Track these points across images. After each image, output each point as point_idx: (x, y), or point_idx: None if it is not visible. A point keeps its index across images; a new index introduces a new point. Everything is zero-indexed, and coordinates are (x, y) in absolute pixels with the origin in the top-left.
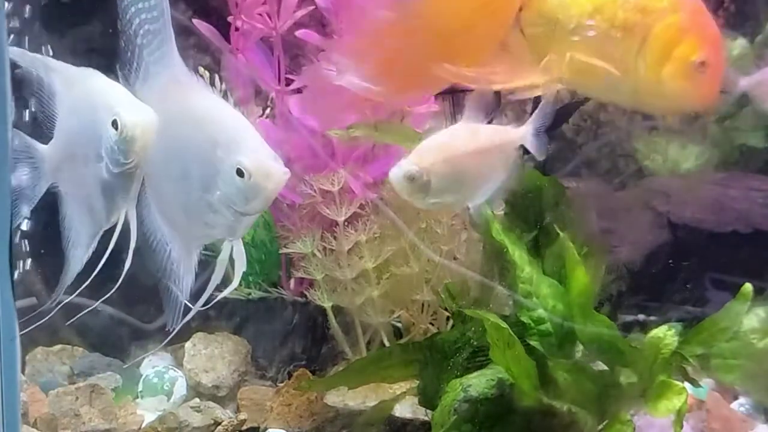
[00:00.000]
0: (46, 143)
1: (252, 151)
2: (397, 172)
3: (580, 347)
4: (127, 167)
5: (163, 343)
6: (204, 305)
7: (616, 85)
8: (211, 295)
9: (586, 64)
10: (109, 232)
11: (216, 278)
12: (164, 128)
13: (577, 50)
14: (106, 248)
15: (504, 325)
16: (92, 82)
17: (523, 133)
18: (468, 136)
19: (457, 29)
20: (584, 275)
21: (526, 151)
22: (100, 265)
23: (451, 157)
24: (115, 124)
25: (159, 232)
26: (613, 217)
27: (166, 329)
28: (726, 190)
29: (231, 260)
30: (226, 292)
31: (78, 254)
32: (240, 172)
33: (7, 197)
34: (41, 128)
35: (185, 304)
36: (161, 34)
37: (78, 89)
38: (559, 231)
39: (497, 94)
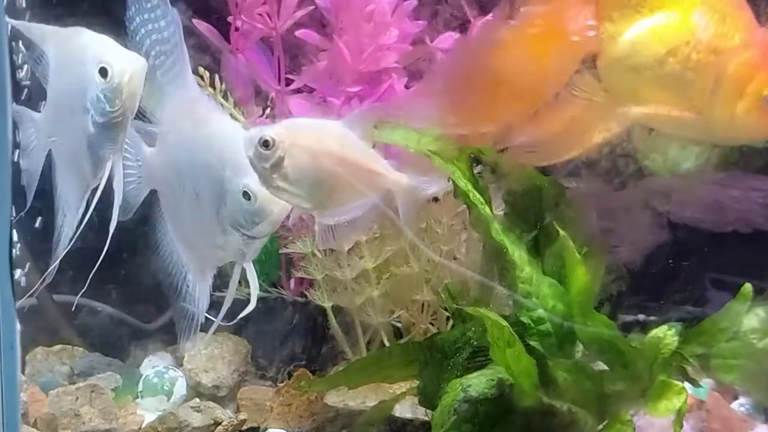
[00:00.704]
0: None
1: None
2: (253, 134)
3: (580, 347)
4: (113, 116)
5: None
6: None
7: (691, 123)
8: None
9: (663, 107)
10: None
11: (228, 300)
12: (178, 148)
13: (652, 93)
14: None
15: (504, 323)
16: (80, 38)
17: (396, 179)
18: (340, 140)
19: (528, 74)
20: (584, 275)
21: None
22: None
23: (318, 149)
24: (102, 71)
25: (175, 254)
26: (613, 217)
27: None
28: (726, 190)
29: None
30: (243, 314)
31: (69, 218)
32: (246, 195)
33: (7, 197)
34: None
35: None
36: (174, 55)
37: (67, 47)
38: (559, 230)
39: None
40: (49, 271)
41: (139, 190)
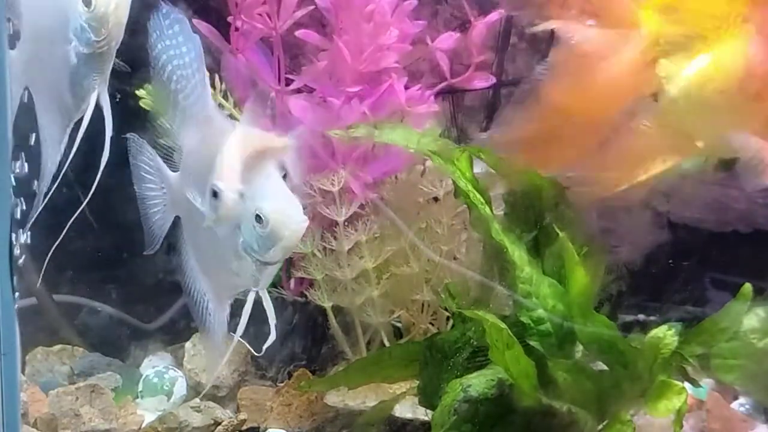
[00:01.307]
0: None
1: (271, 197)
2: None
3: (580, 347)
4: (98, 46)
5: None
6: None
7: None
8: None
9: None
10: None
11: (240, 329)
12: (197, 172)
13: (716, 125)
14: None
15: (503, 326)
16: None
17: (285, 144)
18: (241, 144)
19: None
20: (584, 275)
21: None
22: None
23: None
24: (86, 1)
25: (197, 281)
26: (613, 217)
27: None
28: (726, 190)
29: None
30: (265, 345)
31: (51, 153)
32: (259, 218)
33: (7, 197)
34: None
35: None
36: (195, 79)
37: None
38: (558, 231)
39: (496, 94)
40: (35, 209)
41: (164, 219)
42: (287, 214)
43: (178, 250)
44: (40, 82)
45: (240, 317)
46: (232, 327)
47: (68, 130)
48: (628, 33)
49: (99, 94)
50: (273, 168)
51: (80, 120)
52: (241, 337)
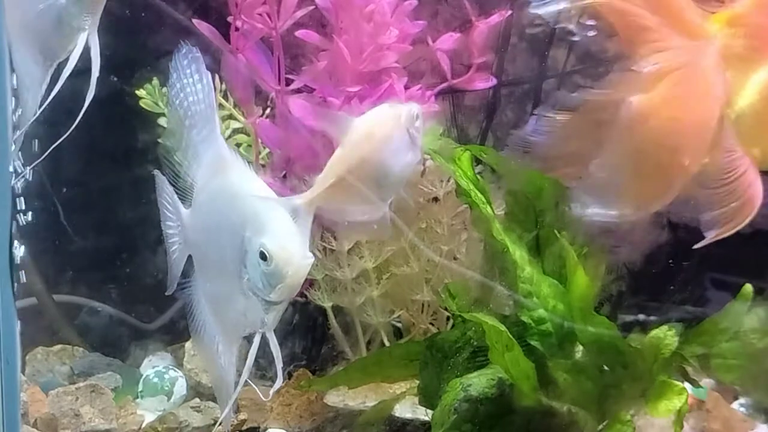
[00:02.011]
0: None
1: (276, 233)
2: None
3: (580, 347)
4: None
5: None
6: None
7: None
8: None
9: None
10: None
11: (246, 372)
12: (207, 209)
13: None
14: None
15: (502, 328)
16: None
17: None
18: None
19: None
20: (584, 279)
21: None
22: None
23: None
24: None
25: (207, 323)
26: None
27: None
28: None
29: None
30: (272, 391)
31: (33, 93)
32: (263, 255)
33: (7, 197)
34: None
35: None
36: (206, 115)
37: None
38: (557, 234)
39: (496, 94)
40: (15, 147)
41: (180, 257)
42: (291, 251)
43: (189, 290)
44: (20, 21)
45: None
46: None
47: (50, 71)
48: (699, 46)
49: (88, 36)
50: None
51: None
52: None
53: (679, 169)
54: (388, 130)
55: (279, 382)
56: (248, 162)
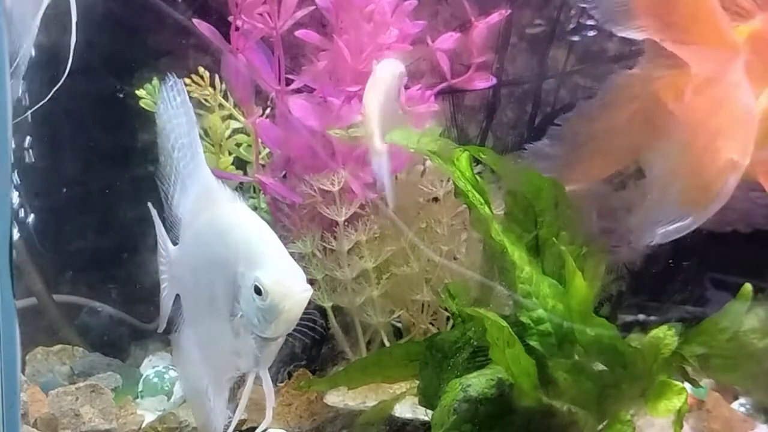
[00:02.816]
0: None
1: (271, 266)
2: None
3: (580, 347)
4: None
5: None
6: None
7: None
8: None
9: None
10: None
11: (239, 412)
12: (195, 244)
13: None
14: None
15: (504, 324)
16: None
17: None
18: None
19: None
20: (583, 285)
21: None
22: None
23: None
24: None
25: (195, 364)
26: (613, 217)
27: None
28: None
29: None
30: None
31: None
32: (258, 290)
33: (7, 197)
34: None
35: None
36: (192, 147)
37: None
38: (555, 241)
39: (496, 94)
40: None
41: (169, 295)
42: (287, 285)
43: (176, 331)
44: None
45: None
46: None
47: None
48: (727, 55)
49: None
50: (270, 232)
51: None
52: None
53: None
54: (393, 79)
55: (267, 422)
56: (238, 187)
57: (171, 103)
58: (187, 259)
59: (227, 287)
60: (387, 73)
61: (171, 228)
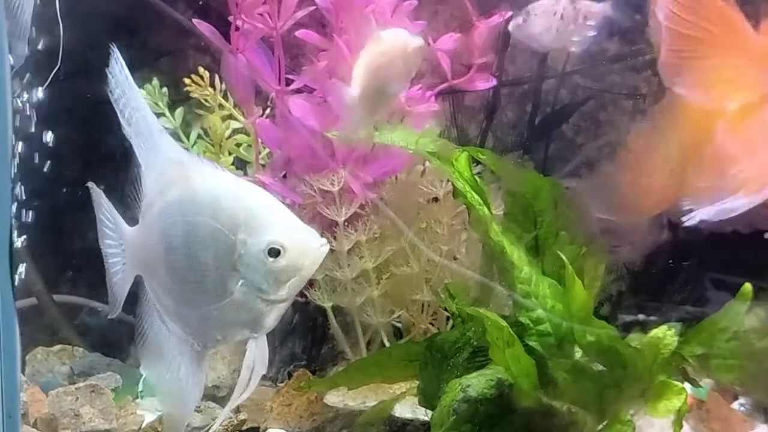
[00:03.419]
0: None
1: (284, 227)
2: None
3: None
4: None
5: None
6: None
7: None
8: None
9: None
10: None
11: (242, 382)
12: (168, 222)
13: None
14: None
15: (504, 324)
16: None
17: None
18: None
19: None
20: (583, 291)
21: (525, 151)
22: None
23: None
24: None
25: (167, 343)
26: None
27: None
28: None
29: None
30: (243, 397)
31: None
32: (274, 251)
33: (7, 197)
34: None
35: None
36: (147, 123)
37: None
38: (555, 240)
39: (496, 94)
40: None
41: (124, 279)
42: (306, 242)
43: (140, 316)
44: None
45: None
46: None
47: None
48: None
49: None
50: (266, 193)
51: None
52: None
53: None
54: (398, 52)
55: (251, 388)
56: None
57: (119, 76)
58: (154, 237)
59: (222, 258)
60: (395, 44)
61: (131, 208)
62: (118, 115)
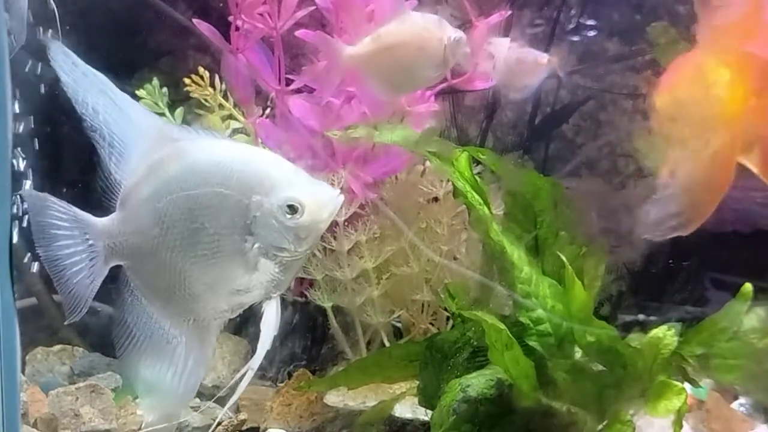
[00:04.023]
0: None
1: (299, 183)
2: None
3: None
4: None
5: None
6: None
7: None
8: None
9: None
10: None
11: (264, 345)
12: (163, 200)
13: None
14: None
15: (502, 326)
16: None
17: None
18: None
19: None
20: (583, 292)
21: (525, 151)
22: None
23: None
24: None
25: (156, 333)
26: (613, 217)
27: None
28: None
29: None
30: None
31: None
32: (292, 208)
33: (7, 197)
34: None
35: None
36: (117, 104)
37: None
38: (555, 239)
39: (496, 94)
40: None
41: (94, 275)
42: (322, 196)
43: (122, 303)
44: None
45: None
46: (232, 328)
47: None
48: None
49: None
50: (269, 152)
51: None
52: (240, 336)
53: None
54: (428, 35)
55: (268, 340)
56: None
57: (66, 68)
58: (144, 220)
59: (235, 224)
60: (420, 27)
61: (105, 195)
62: (79, 107)
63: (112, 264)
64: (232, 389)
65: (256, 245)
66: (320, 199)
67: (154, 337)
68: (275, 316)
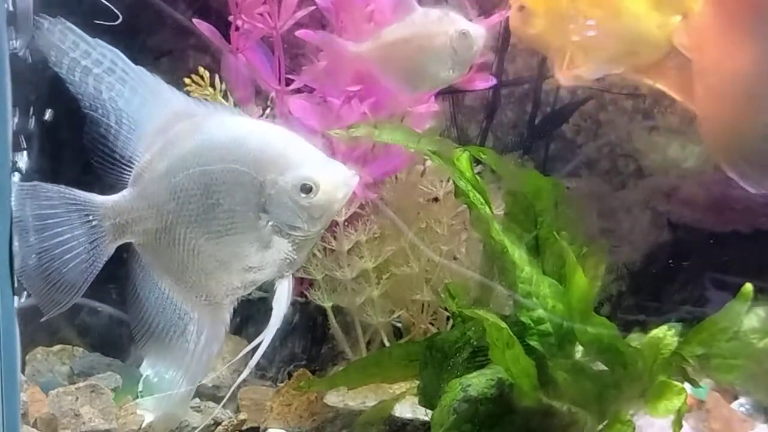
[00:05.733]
0: None
1: (313, 162)
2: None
3: (580, 347)
4: None
5: None
6: None
7: None
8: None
9: None
10: None
11: (275, 321)
12: (180, 175)
13: None
14: None
15: (503, 325)
16: None
17: None
18: None
19: None
20: (584, 281)
21: (525, 151)
22: None
23: None
24: None
25: (169, 309)
26: (613, 217)
27: None
28: (726, 190)
29: None
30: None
31: None
32: (307, 187)
33: (7, 197)
34: None
35: None
36: (128, 79)
37: None
38: (556, 236)
39: (496, 93)
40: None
41: (95, 258)
42: (337, 175)
43: (132, 281)
44: None
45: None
46: (231, 328)
47: None
48: None
49: None
50: (287, 131)
51: None
52: (240, 336)
53: None
54: (434, 30)
55: (279, 318)
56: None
57: (64, 46)
58: (160, 196)
59: (249, 201)
60: (435, 22)
61: (110, 175)
62: (74, 88)
63: (121, 242)
64: (243, 359)
65: (270, 223)
66: (335, 179)
67: (166, 312)
68: (287, 294)
